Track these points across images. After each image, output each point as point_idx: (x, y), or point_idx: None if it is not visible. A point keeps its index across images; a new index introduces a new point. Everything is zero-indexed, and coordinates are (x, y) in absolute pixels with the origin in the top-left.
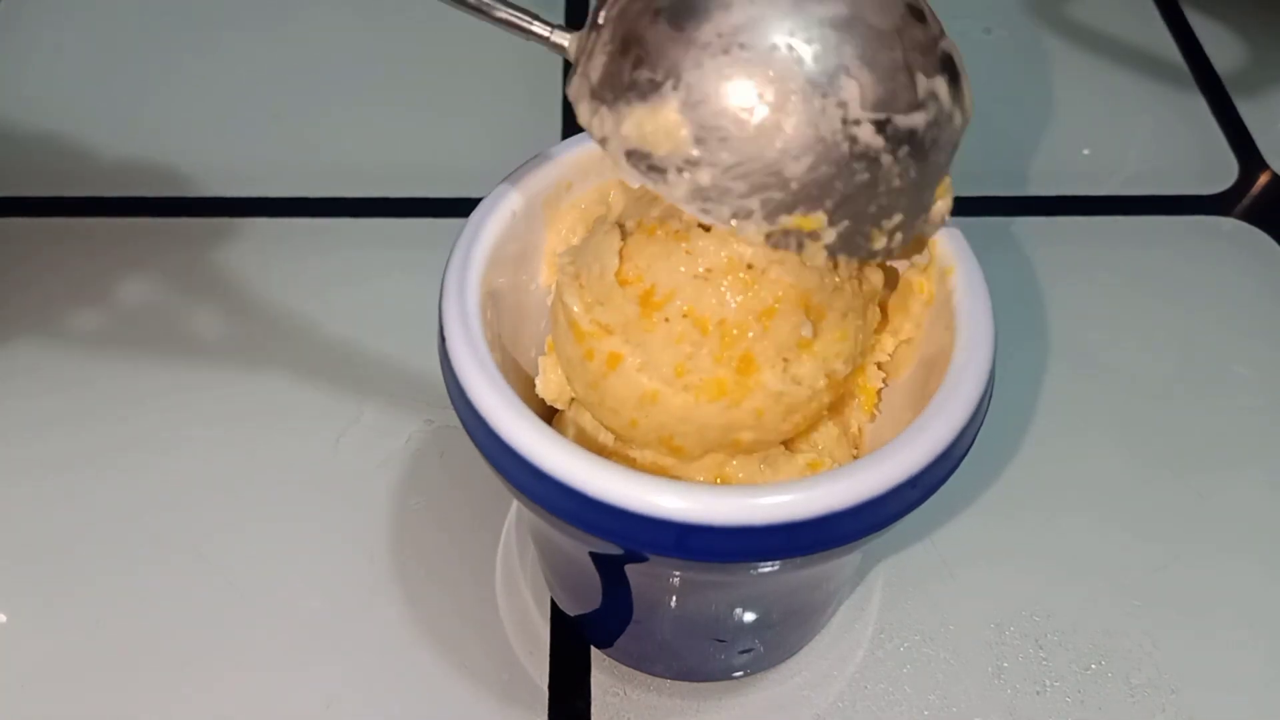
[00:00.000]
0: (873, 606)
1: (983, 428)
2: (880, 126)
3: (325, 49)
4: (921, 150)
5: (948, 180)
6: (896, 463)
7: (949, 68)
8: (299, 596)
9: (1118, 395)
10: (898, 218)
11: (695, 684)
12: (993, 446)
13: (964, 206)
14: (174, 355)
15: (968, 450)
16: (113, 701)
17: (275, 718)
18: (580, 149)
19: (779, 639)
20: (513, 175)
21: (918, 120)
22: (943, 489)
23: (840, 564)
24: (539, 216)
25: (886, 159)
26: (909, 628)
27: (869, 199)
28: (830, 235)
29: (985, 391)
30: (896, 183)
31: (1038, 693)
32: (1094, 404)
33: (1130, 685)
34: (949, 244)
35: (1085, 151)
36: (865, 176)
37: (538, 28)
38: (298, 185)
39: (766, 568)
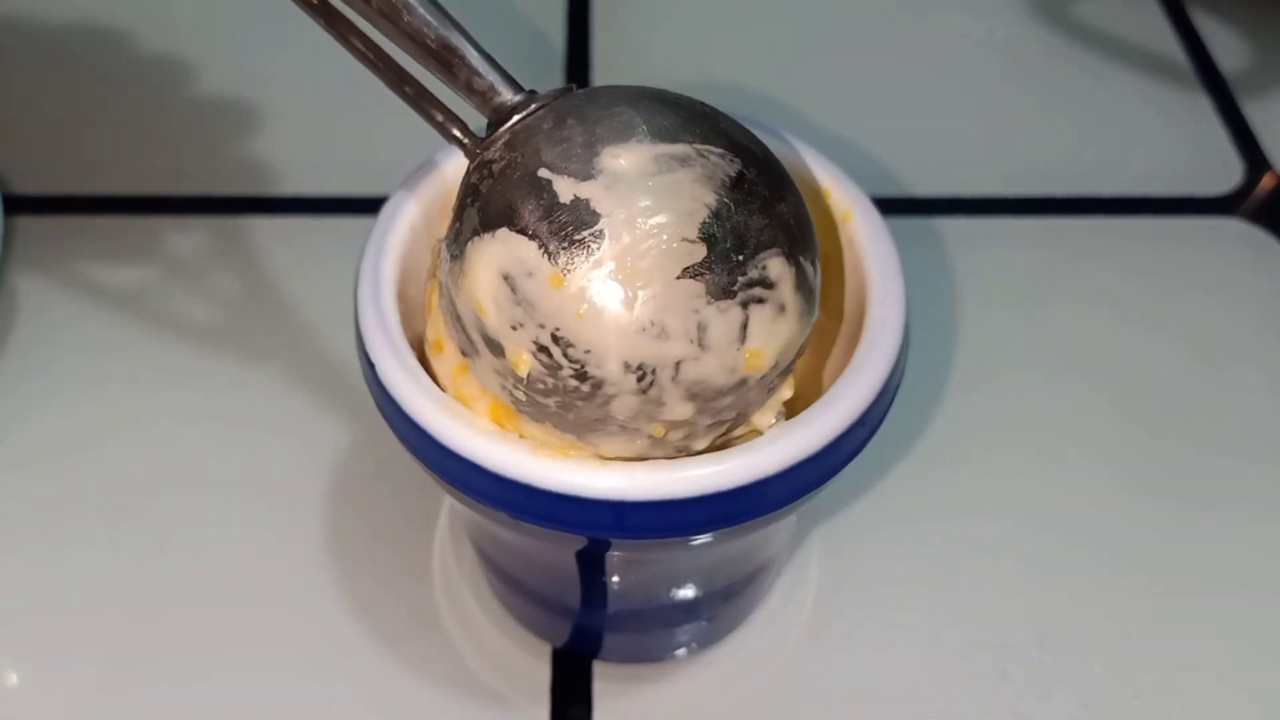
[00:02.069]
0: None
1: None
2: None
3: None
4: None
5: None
6: (841, 407)
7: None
8: (282, 609)
9: (1121, 398)
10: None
11: (696, 678)
12: (994, 447)
13: (967, 207)
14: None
15: (895, 394)
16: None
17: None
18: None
19: (731, 607)
20: (406, 183)
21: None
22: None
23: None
24: (435, 225)
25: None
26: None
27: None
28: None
29: (902, 348)
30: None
31: (1042, 696)
32: (1097, 406)
33: (1135, 689)
34: (841, 189)
35: (1089, 152)
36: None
37: (456, 131)
38: (305, 184)
39: (707, 537)
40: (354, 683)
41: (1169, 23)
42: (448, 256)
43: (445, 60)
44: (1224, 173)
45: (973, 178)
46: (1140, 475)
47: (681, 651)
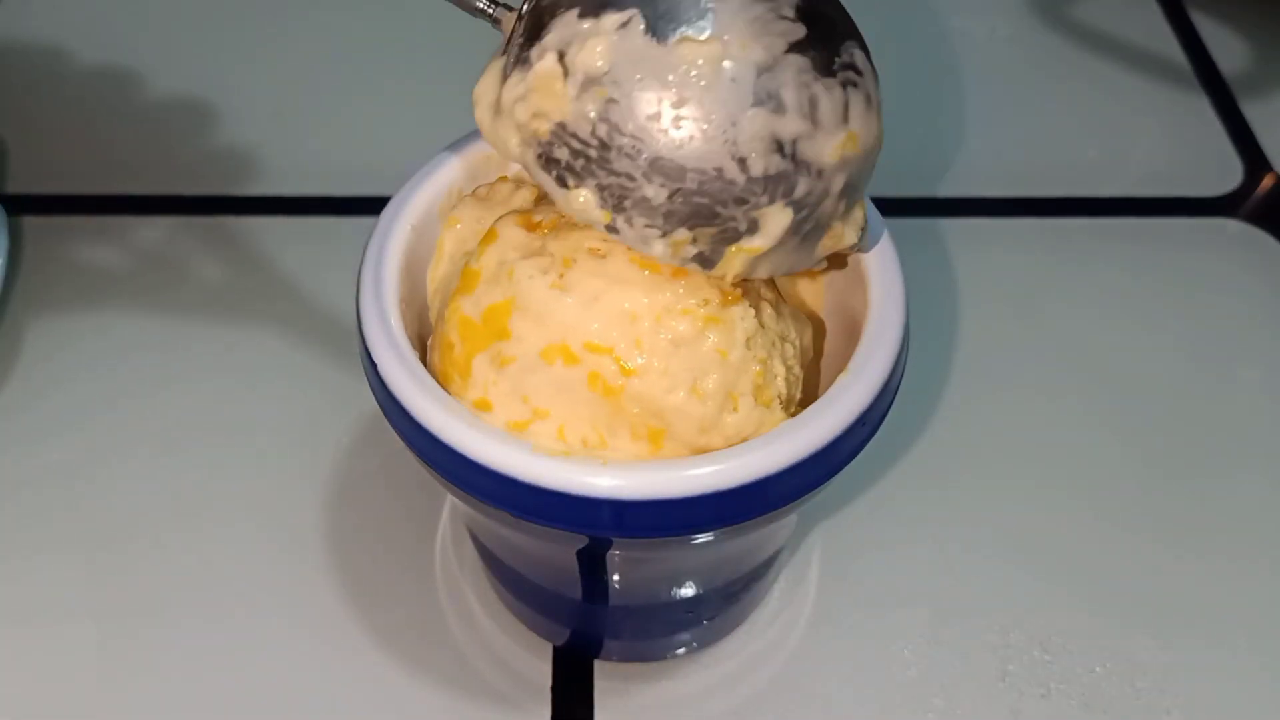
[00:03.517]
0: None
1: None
2: (780, 151)
3: (335, 46)
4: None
5: (857, 211)
6: (842, 406)
7: (854, 93)
8: (285, 602)
9: (1122, 398)
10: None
11: (696, 678)
12: (994, 447)
13: (969, 207)
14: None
15: (895, 394)
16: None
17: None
18: (467, 152)
19: (729, 607)
20: (407, 184)
21: (822, 156)
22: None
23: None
24: (436, 227)
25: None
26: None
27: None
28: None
29: (902, 347)
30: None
31: (1042, 696)
32: (1097, 407)
33: (1135, 689)
34: None
35: (1089, 153)
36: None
37: (482, 3)
38: (307, 183)
39: (708, 536)
40: (356, 681)
41: (1169, 23)
42: (517, 59)
43: None
44: (1224, 173)
45: (973, 178)
46: (1140, 475)
47: (682, 651)
